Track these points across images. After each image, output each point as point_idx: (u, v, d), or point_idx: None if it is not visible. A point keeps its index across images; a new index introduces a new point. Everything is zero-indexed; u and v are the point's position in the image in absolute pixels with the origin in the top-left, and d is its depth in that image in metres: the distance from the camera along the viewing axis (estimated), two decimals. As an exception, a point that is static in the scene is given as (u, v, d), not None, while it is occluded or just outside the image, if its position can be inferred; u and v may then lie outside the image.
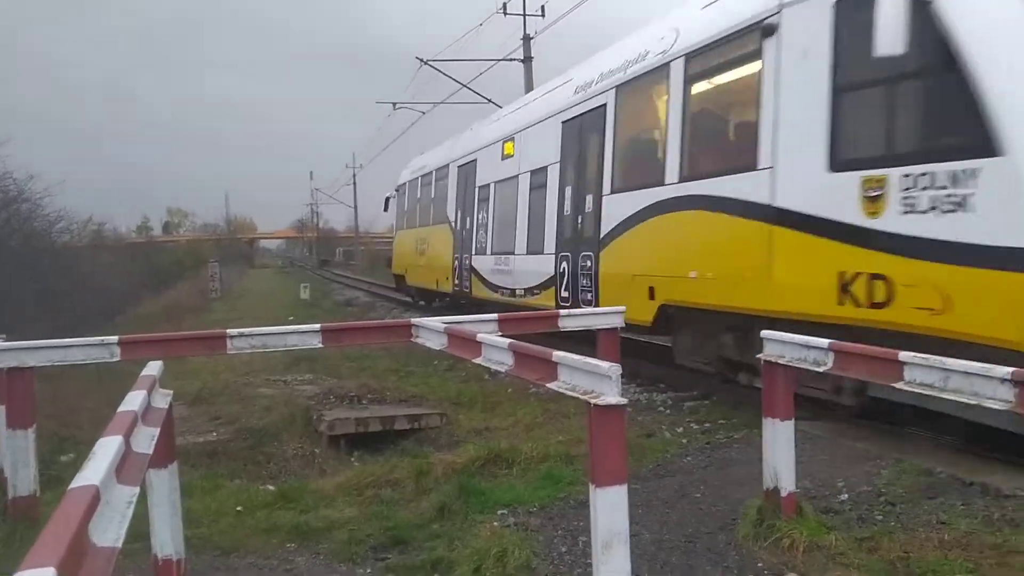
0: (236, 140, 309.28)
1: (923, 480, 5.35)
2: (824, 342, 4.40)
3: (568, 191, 11.55)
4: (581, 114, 11.24)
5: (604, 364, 3.28)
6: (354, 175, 71.78)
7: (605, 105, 10.43)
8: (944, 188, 5.60)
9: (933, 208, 5.67)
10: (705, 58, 8.40)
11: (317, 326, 5.59)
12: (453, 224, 17.34)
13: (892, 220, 5.95)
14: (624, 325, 6.70)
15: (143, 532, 3.98)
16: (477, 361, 4.60)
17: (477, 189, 15.84)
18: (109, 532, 2.01)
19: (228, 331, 5.47)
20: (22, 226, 19.99)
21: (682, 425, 7.84)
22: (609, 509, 3.23)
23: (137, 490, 2.40)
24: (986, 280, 5.37)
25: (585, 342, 7.12)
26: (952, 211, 5.56)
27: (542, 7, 25.65)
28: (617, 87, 10.20)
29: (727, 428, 7.48)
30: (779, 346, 4.67)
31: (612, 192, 10.14)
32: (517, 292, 13.31)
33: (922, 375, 3.78)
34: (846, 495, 5.27)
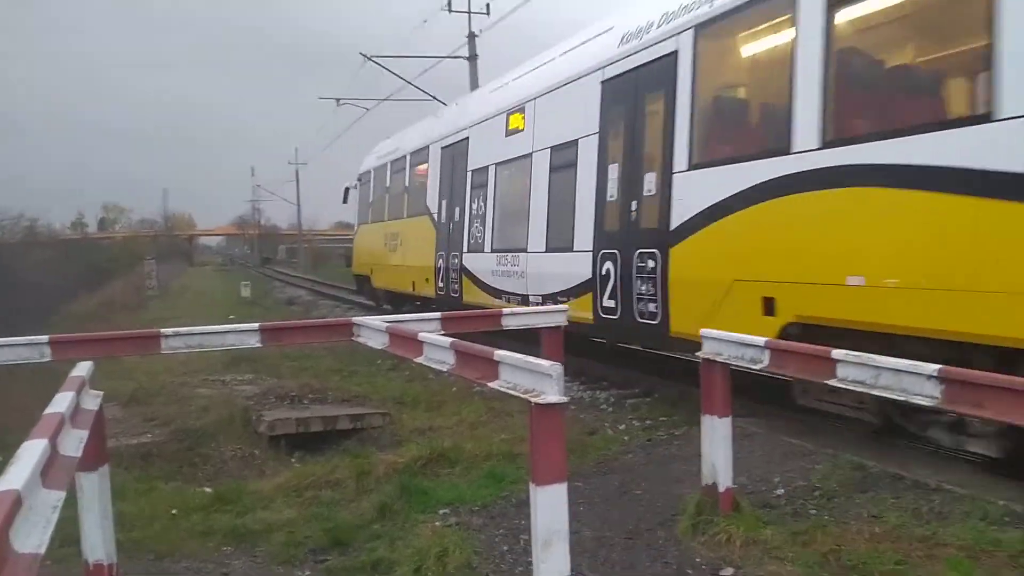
0: (175, 136, 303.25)
1: (856, 474, 5.47)
2: (760, 340, 4.49)
3: (613, 170, 9.14)
4: (634, 67, 8.83)
5: (545, 363, 3.29)
6: (297, 172, 70.80)
7: (676, 53, 8.08)
8: None
9: None
10: None
11: (256, 325, 5.49)
12: (435, 216, 14.91)
13: None
14: (568, 323, 6.30)
15: (74, 537, 3.89)
16: (419, 360, 4.58)
17: (470, 174, 13.37)
18: (32, 538, 1.98)
19: (163, 330, 5.34)
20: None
21: (624, 422, 7.93)
22: (549, 507, 3.25)
23: (63, 494, 2.35)
24: None
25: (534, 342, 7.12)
26: None
27: (487, 5, 25.73)
28: (697, 27, 7.79)
29: (668, 425, 7.59)
30: (716, 344, 4.74)
31: (691, 168, 7.81)
32: (531, 299, 10.80)
33: (854, 372, 3.87)
34: (782, 490, 5.38)
